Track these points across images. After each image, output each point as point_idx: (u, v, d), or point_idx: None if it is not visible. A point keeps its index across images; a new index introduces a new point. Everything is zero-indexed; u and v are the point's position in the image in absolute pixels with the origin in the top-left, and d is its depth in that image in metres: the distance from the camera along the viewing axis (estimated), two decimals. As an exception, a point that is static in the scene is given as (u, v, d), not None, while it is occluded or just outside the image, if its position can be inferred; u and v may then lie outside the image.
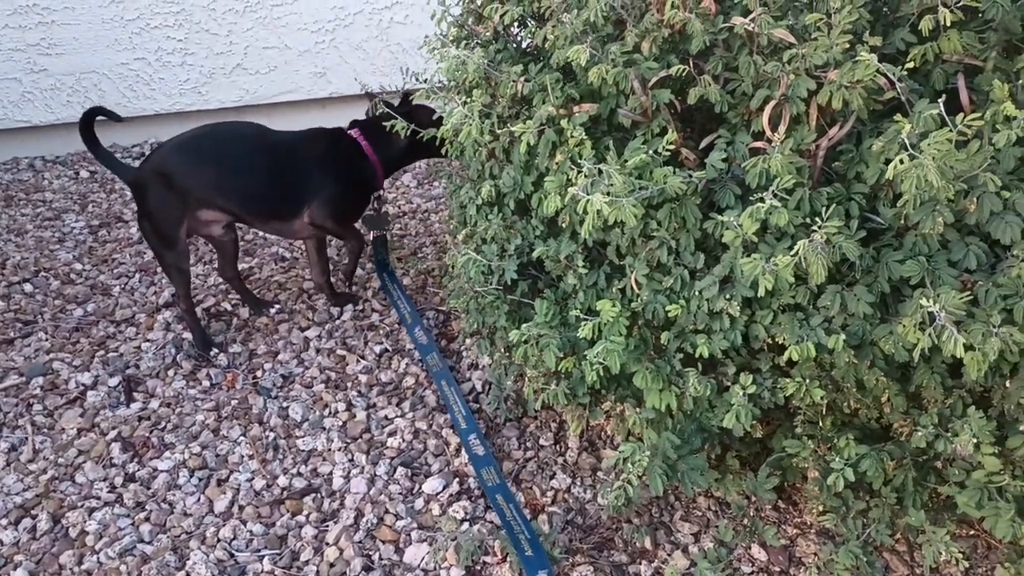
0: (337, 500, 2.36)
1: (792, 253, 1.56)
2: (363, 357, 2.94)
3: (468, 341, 2.90)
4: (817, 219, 1.59)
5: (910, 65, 1.63)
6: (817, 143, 1.75)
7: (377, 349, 2.98)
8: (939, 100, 1.51)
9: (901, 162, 1.46)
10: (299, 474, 2.46)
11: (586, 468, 2.42)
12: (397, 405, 2.72)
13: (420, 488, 2.39)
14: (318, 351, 2.98)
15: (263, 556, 2.21)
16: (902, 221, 1.66)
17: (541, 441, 2.54)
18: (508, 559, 2.11)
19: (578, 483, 2.38)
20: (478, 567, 2.13)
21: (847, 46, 1.64)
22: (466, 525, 2.26)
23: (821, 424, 1.93)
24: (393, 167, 3.15)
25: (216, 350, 2.99)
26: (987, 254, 1.63)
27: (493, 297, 2.30)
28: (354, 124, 3.08)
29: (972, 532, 2.12)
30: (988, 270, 1.62)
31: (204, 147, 2.84)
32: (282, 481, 2.43)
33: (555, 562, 2.11)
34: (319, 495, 2.38)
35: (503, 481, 2.27)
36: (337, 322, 3.13)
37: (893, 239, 1.72)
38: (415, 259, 3.52)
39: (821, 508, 1.96)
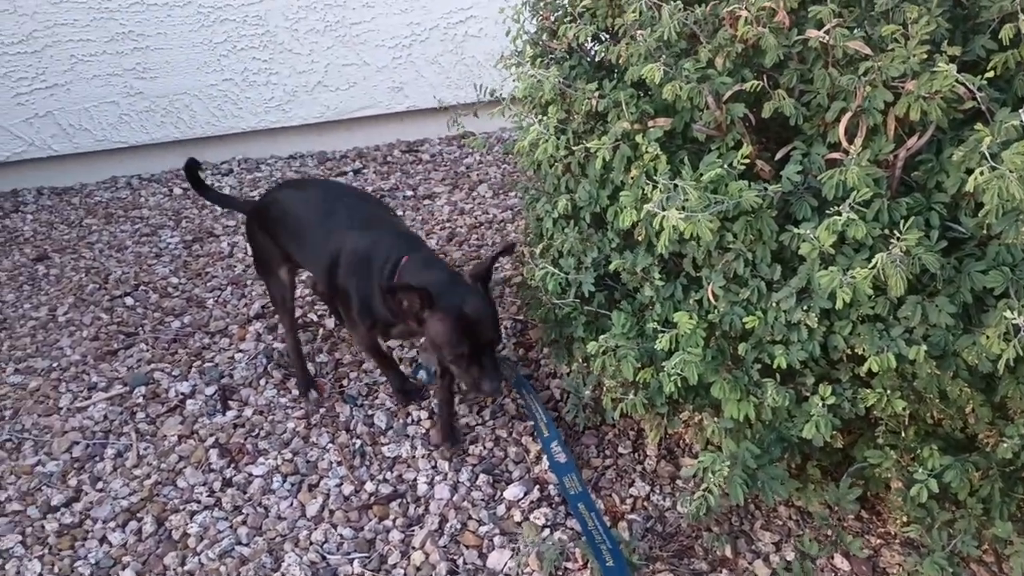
0: (422, 506, 2.44)
1: (871, 266, 1.57)
2: (444, 366, 3.02)
3: (546, 350, 2.95)
4: (895, 230, 1.59)
5: (990, 74, 1.61)
6: (895, 154, 1.74)
7: (457, 358, 3.05)
8: (1020, 109, 1.50)
9: (982, 173, 1.46)
10: (385, 480, 2.55)
11: (665, 476, 2.45)
12: (478, 413, 2.79)
13: (502, 495, 2.45)
14: (400, 360, 3.07)
15: (353, 559, 2.30)
16: (984, 231, 1.65)
17: (620, 449, 2.57)
18: (589, 565, 2.16)
19: (657, 491, 2.41)
20: (560, 573, 2.18)
21: (924, 56, 1.63)
22: (547, 532, 2.31)
23: (904, 434, 1.92)
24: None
25: (315, 393, 2.94)
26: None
27: (570, 309, 2.35)
28: (426, 255, 2.57)
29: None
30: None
31: (299, 207, 2.81)
32: (369, 487, 2.53)
33: (635, 569, 2.14)
34: (405, 500, 2.47)
35: (585, 489, 2.32)
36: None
37: (976, 249, 1.70)
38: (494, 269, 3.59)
39: (905, 519, 1.94)
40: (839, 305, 1.66)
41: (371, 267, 2.49)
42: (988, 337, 1.55)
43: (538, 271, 2.33)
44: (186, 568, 2.33)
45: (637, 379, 2.11)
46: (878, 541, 2.17)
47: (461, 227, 3.97)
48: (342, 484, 2.55)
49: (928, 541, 1.89)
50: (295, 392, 2.97)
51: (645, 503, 2.38)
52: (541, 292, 2.49)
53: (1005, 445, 1.66)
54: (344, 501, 2.49)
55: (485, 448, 2.63)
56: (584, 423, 2.65)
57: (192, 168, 3.13)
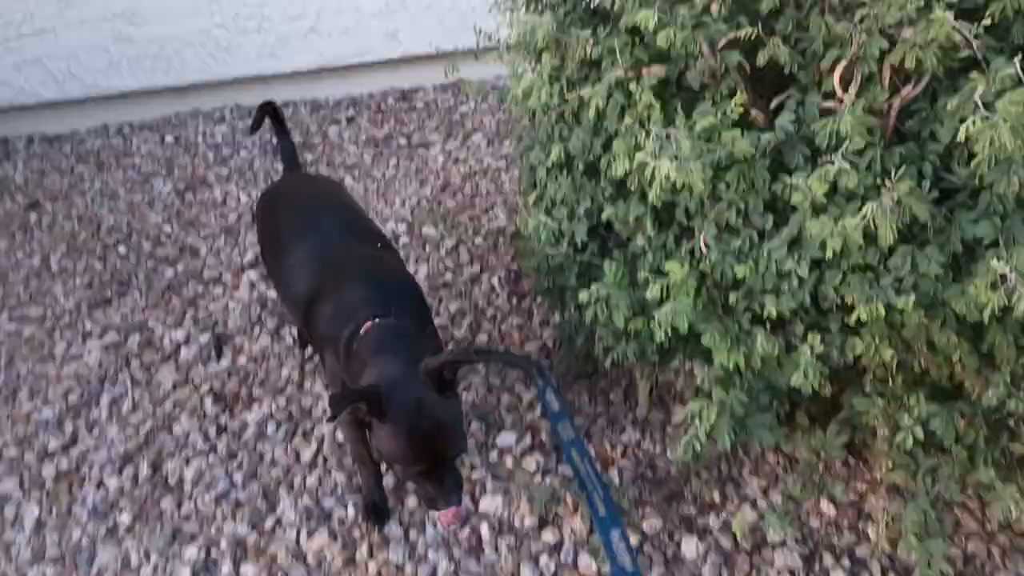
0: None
1: (861, 215, 1.57)
2: (436, 314, 3.03)
3: (539, 299, 2.96)
4: (888, 180, 1.59)
5: (987, 21, 1.59)
6: (889, 102, 1.73)
7: (452, 307, 3.07)
8: (1016, 58, 1.48)
9: (974, 123, 1.45)
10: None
11: (655, 424, 2.48)
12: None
13: (494, 441, 2.48)
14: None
15: (347, 503, 2.34)
16: (977, 181, 1.65)
17: (611, 398, 2.60)
18: (579, 510, 2.20)
19: (647, 438, 2.44)
20: (551, 517, 2.22)
21: (921, 4, 1.61)
22: (539, 477, 2.34)
23: (892, 383, 1.94)
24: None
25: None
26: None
27: (563, 258, 2.36)
28: (392, 324, 2.07)
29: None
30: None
31: (283, 218, 2.48)
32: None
33: (625, 514, 2.18)
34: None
35: (578, 436, 2.33)
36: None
37: (968, 199, 1.70)
38: (487, 218, 3.58)
39: (890, 465, 1.97)
40: (829, 255, 1.66)
41: (338, 325, 2.08)
42: (976, 287, 1.56)
43: (531, 221, 2.32)
44: (182, 512, 2.37)
45: (628, 328, 2.12)
46: (864, 487, 2.21)
47: (455, 176, 3.94)
48: (335, 431, 2.57)
49: (912, 487, 1.93)
50: (289, 340, 2.98)
51: (636, 450, 2.41)
52: (534, 242, 2.49)
53: (990, 393, 1.68)
54: (338, 448, 2.52)
55: (478, 396, 2.66)
56: (576, 372, 2.68)
57: (267, 108, 2.82)
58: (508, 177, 3.91)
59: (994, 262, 1.49)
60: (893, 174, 1.60)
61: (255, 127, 2.83)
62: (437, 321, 2.99)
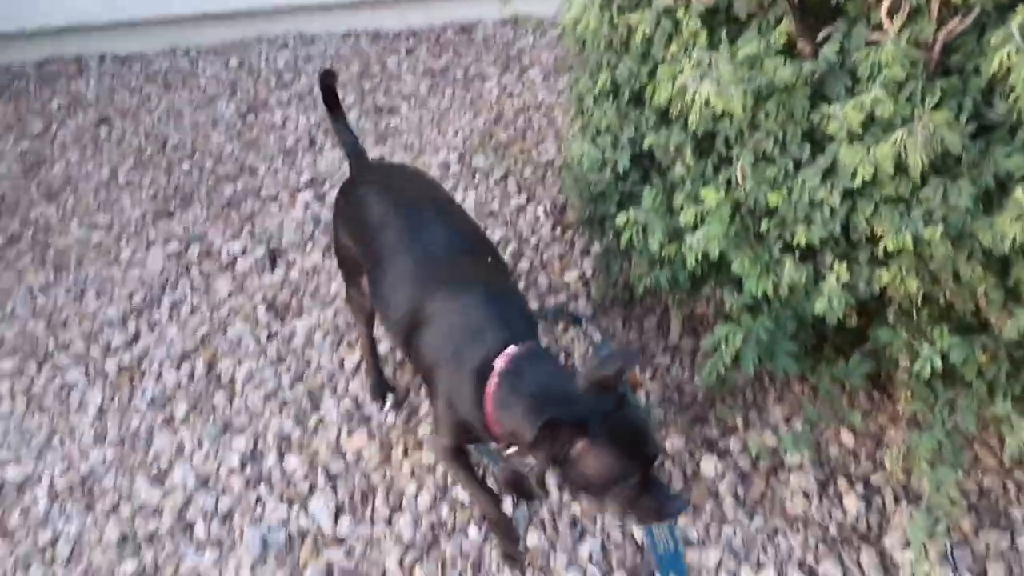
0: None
1: (892, 143, 1.60)
2: (482, 240, 3.12)
3: (581, 230, 3.02)
4: (921, 110, 1.61)
5: (1039, -46, 1.59)
6: (936, 35, 1.74)
7: (497, 235, 3.15)
8: (1061, -10, 1.49)
9: (1010, 56, 1.46)
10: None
11: (686, 351, 2.55)
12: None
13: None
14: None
15: (385, 409, 2.47)
16: (1015, 116, 1.66)
17: (644, 325, 2.67)
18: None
19: (677, 364, 2.52)
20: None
21: (972, -66, 1.61)
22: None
23: (916, 316, 1.97)
24: (515, 441, 1.79)
25: (391, 397, 2.52)
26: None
27: (605, 186, 2.42)
28: (533, 351, 1.86)
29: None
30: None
31: (376, 216, 2.16)
32: (405, 346, 2.67)
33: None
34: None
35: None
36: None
37: (1006, 135, 1.72)
38: (537, 151, 3.64)
39: (910, 396, 2.02)
40: (859, 182, 1.70)
41: (460, 354, 1.86)
42: (1003, 219, 1.58)
43: (575, 148, 2.38)
44: (233, 407, 2.53)
45: (662, 254, 2.18)
46: (885, 420, 2.26)
47: (509, 110, 3.99)
48: (379, 342, 2.70)
49: (930, 418, 1.97)
50: (339, 257, 3.11)
51: (665, 375, 2.49)
52: (578, 169, 2.55)
53: (1011, 324, 1.71)
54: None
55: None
56: (612, 300, 2.75)
57: (329, 81, 2.62)
58: (561, 112, 3.94)
59: (1019, 193, 1.52)
60: (925, 104, 1.61)
61: (329, 103, 2.59)
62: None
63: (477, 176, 3.51)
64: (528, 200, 3.33)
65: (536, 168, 3.52)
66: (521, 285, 2.89)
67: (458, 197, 3.37)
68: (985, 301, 1.83)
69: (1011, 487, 2.11)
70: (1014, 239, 1.57)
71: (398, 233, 2.06)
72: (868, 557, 2.00)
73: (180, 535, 2.21)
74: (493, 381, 1.76)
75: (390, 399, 2.50)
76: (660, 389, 2.45)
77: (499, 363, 1.77)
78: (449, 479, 2.26)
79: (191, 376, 2.66)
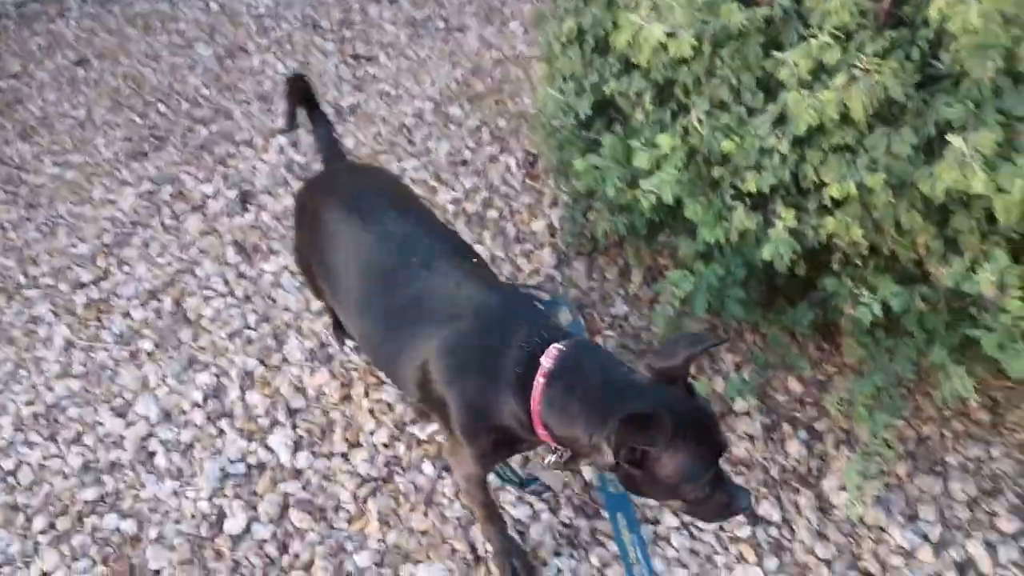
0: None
1: (833, 89, 1.63)
2: (453, 189, 3.14)
3: (551, 180, 3.05)
4: (864, 57, 1.63)
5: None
6: (887, -15, 1.76)
7: (468, 183, 3.17)
8: (1001, -61, 1.50)
9: (947, 3, 1.49)
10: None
11: (645, 300, 2.59)
12: (479, 234, 2.93)
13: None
14: (413, 182, 3.20)
15: (348, 348, 2.51)
16: (958, 67, 1.68)
17: (607, 275, 2.71)
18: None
19: (636, 313, 2.56)
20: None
21: None
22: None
23: (863, 266, 2.01)
24: (567, 442, 1.63)
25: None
26: (1041, 103, 1.65)
27: (569, 133, 2.44)
28: (578, 342, 1.69)
29: (1008, 385, 2.19)
30: (1041, 119, 1.64)
31: (347, 242, 1.92)
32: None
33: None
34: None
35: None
36: (432, 156, 3.33)
37: (951, 86, 1.74)
38: (512, 103, 3.65)
39: (854, 343, 2.07)
40: (803, 129, 1.73)
41: (497, 363, 1.66)
42: (941, 167, 1.62)
43: (539, 93, 2.40)
44: (199, 343, 2.57)
45: (620, 202, 2.21)
46: (833, 370, 2.31)
47: (487, 61, 3.99)
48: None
49: (870, 365, 2.02)
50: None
51: (623, 322, 2.53)
52: (544, 117, 2.57)
53: (946, 272, 1.75)
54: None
55: (482, 264, 2.79)
56: (577, 249, 2.78)
57: (298, 83, 2.31)
58: (538, 64, 3.94)
59: (955, 140, 1.55)
60: (871, 51, 1.64)
61: (290, 117, 2.35)
62: (451, 196, 3.11)
63: (451, 125, 3.51)
64: (501, 150, 3.35)
65: (511, 119, 3.53)
66: (488, 235, 2.92)
67: (431, 146, 3.39)
68: (925, 251, 1.87)
69: (948, 435, 2.17)
70: (949, 188, 1.61)
71: (386, 254, 1.84)
72: (806, 499, 2.06)
73: (141, 465, 2.26)
74: (539, 382, 1.59)
75: (350, 342, 2.46)
76: (618, 335, 2.49)
77: (545, 362, 1.60)
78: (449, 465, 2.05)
79: (158, 313, 2.69)
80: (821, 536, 2.00)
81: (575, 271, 2.74)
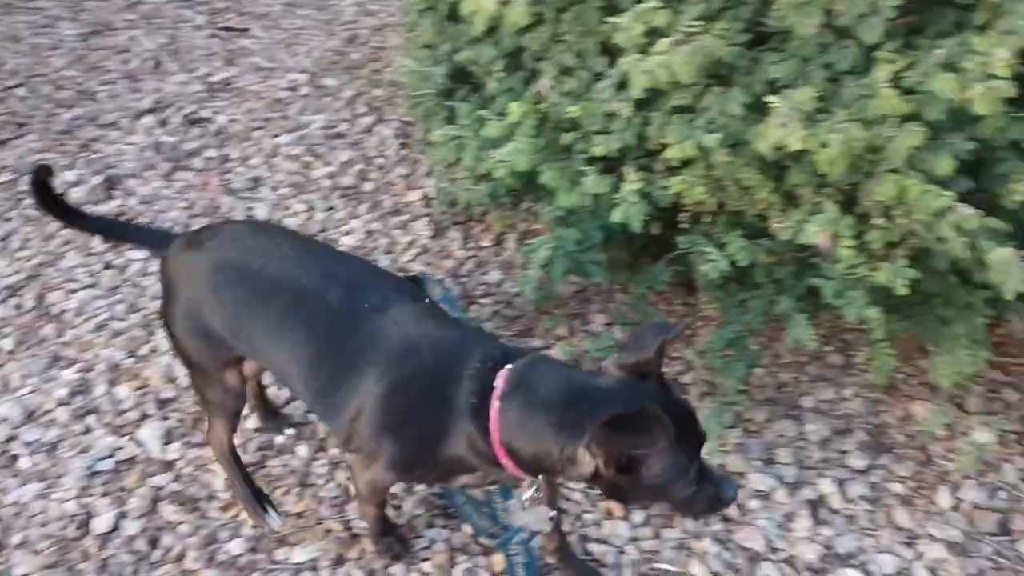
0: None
1: (659, 52, 1.65)
2: (328, 163, 3.09)
3: (423, 147, 3.03)
4: (686, 19, 1.66)
5: None
6: (716, -54, 1.78)
7: (343, 157, 3.13)
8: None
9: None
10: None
11: (518, 266, 2.61)
12: (355, 207, 2.90)
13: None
14: (287, 157, 3.14)
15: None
16: (784, 24, 1.73)
17: (482, 242, 2.72)
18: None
19: (509, 280, 2.58)
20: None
21: None
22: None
23: (714, 224, 2.07)
24: (536, 464, 1.52)
25: (274, 514, 2.02)
26: (862, 57, 1.70)
27: (431, 102, 2.42)
28: (533, 358, 1.59)
29: (859, 328, 2.28)
30: (863, 73, 1.70)
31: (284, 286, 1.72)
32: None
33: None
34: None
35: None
36: (307, 130, 3.27)
37: (780, 44, 1.79)
38: (389, 71, 3.59)
39: (708, 298, 2.13)
40: (641, 92, 1.75)
41: (449, 395, 1.55)
42: (767, 125, 1.66)
43: (397, 62, 2.37)
44: (63, 339, 2.49)
45: (482, 172, 2.21)
46: (698, 324, 2.37)
47: (364, 28, 3.92)
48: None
49: (725, 317, 2.09)
50: (180, 184, 3.04)
51: (497, 290, 2.55)
52: (408, 87, 2.55)
53: (780, 226, 1.81)
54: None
55: (357, 239, 2.76)
56: (452, 219, 2.78)
57: (42, 178, 1.94)
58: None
59: (773, 99, 1.59)
60: (696, 13, 1.66)
61: (50, 207, 1.97)
62: (326, 170, 3.07)
63: (326, 98, 3.45)
64: (377, 121, 3.30)
65: (387, 88, 3.48)
66: (364, 208, 2.89)
67: (305, 119, 3.33)
68: (766, 206, 1.93)
69: (804, 379, 2.26)
70: (777, 145, 1.65)
71: (299, 294, 1.69)
72: (673, 451, 2.13)
73: (4, 470, 2.19)
74: (495, 405, 1.48)
75: (272, 513, 2.02)
76: (493, 303, 2.51)
77: (498, 383, 1.49)
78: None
79: (19, 309, 2.59)
80: (686, 486, 2.07)
81: (451, 240, 2.74)
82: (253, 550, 1.97)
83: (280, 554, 1.96)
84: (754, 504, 2.01)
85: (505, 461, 1.51)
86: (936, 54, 1.57)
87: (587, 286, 2.48)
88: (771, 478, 2.05)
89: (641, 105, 1.90)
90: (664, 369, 1.47)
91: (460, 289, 2.56)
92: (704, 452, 1.48)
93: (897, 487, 2.04)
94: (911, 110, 1.61)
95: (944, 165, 1.62)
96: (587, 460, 1.40)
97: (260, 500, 2.02)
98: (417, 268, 2.64)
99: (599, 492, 1.47)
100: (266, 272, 1.72)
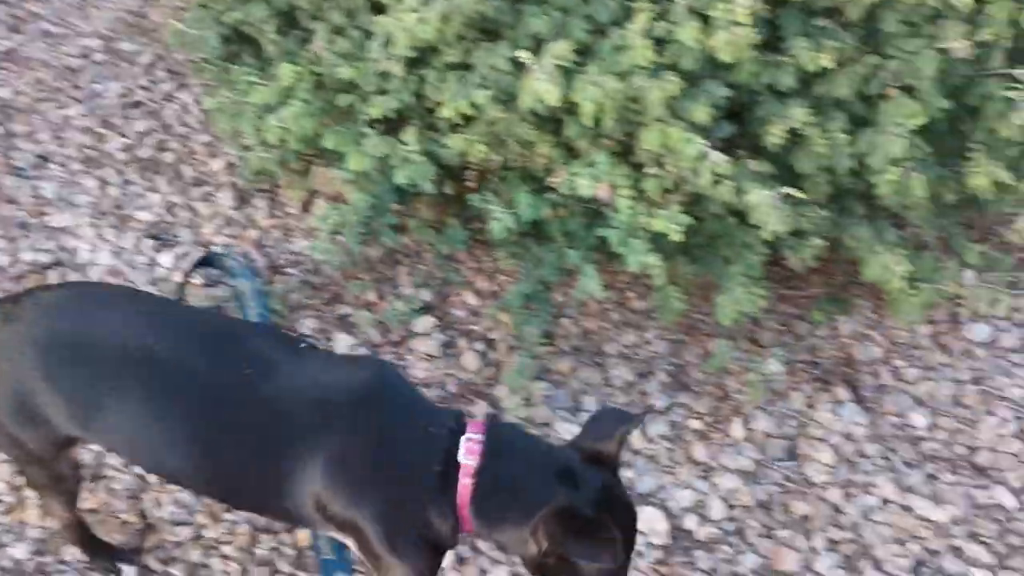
0: (80, 272, 2.44)
1: (411, 8, 1.61)
2: (124, 135, 2.91)
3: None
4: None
5: None
6: None
7: (141, 127, 2.95)
8: None
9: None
10: (46, 250, 2.51)
11: (324, 231, 2.54)
12: (153, 180, 2.75)
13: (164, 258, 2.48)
14: (79, 130, 2.93)
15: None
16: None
17: (289, 209, 2.63)
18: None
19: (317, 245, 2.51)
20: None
21: None
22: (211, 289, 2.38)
23: (501, 180, 2.06)
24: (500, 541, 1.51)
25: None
26: (621, 9, 1.71)
27: (213, 67, 2.30)
28: (493, 425, 1.55)
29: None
30: (622, 24, 1.71)
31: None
32: (27, 257, 2.48)
33: (284, 318, 2.27)
34: (64, 268, 2.46)
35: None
36: (101, 100, 3.06)
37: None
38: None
39: (505, 254, 2.14)
40: (402, 48, 1.71)
41: (408, 464, 1.46)
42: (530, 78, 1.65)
43: (170, 26, 2.24)
44: None
45: (266, 138, 2.12)
46: (506, 279, 2.38)
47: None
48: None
49: (521, 272, 2.10)
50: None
51: (303, 257, 2.47)
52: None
53: (558, 180, 1.82)
54: (0, 272, 2.45)
55: (156, 215, 2.62)
56: (258, 186, 2.67)
57: None
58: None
59: (523, 54, 1.58)
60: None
61: None
62: (122, 143, 2.89)
63: (123, 64, 3.23)
64: (179, 87, 3.12)
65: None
66: (164, 181, 2.74)
67: (99, 88, 3.11)
68: (548, 160, 1.93)
69: (608, 327, 2.31)
70: (539, 99, 1.65)
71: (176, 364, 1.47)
72: (480, 408, 2.14)
73: None
74: (465, 483, 1.41)
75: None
76: (300, 272, 2.44)
77: (467, 460, 1.42)
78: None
79: None
80: (493, 442, 2.09)
81: (256, 209, 2.64)
82: (40, 552, 1.87)
83: (69, 553, 1.86)
84: (559, 453, 2.05)
85: (473, 532, 1.48)
86: (683, 3, 1.59)
87: (396, 249, 2.44)
88: (576, 426, 2.09)
89: (415, 64, 1.86)
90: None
91: (266, 260, 2.48)
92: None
93: (695, 423, 2.13)
94: (666, 60, 1.64)
95: (701, 112, 1.66)
96: (530, 543, 1.39)
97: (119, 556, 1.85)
98: (221, 240, 2.53)
99: (524, 565, 1.48)
100: (110, 345, 1.48)
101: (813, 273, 2.34)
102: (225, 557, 1.85)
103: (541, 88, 1.60)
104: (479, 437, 1.44)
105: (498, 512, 1.44)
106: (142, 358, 1.45)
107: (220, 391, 1.46)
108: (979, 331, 2.29)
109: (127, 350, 1.46)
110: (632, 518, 1.47)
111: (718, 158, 1.62)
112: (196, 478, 1.54)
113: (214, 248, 2.47)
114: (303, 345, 1.60)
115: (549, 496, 1.38)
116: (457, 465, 1.42)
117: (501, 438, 1.48)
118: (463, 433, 1.45)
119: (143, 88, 3.12)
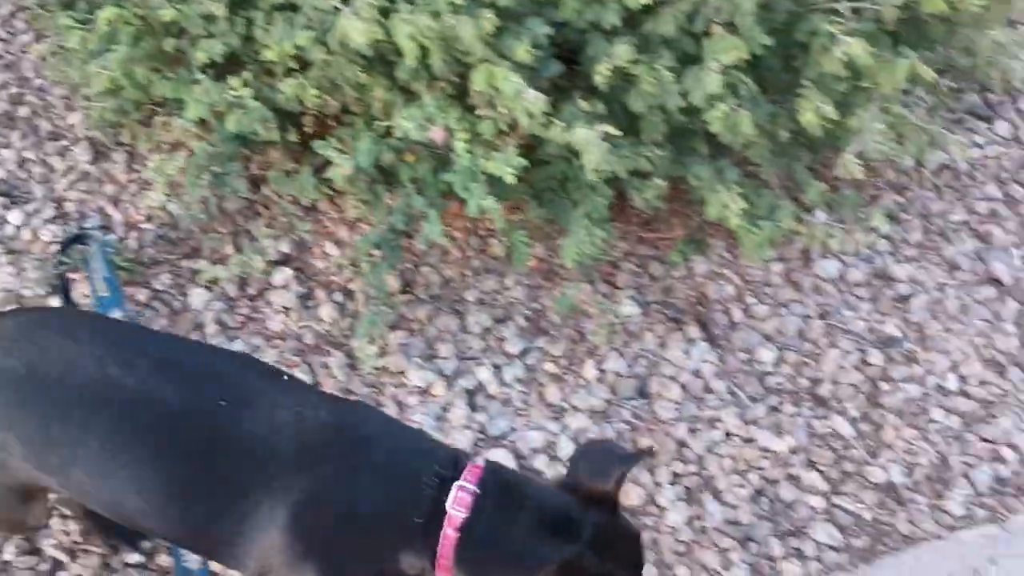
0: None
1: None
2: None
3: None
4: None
5: None
6: None
7: (-3, 80, 2.83)
8: None
9: None
10: None
11: (184, 186, 2.48)
12: (7, 136, 2.64)
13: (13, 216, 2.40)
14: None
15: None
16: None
17: (148, 163, 2.55)
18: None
19: (175, 199, 2.44)
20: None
21: None
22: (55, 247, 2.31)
23: (351, 127, 2.02)
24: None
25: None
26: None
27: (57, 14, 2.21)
28: (492, 472, 1.40)
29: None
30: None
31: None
32: None
33: (138, 274, 2.22)
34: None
35: None
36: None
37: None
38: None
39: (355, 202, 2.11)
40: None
41: (386, 509, 1.35)
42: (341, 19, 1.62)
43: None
44: None
45: (101, 86, 2.04)
46: (367, 227, 2.35)
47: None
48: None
49: (372, 219, 2.08)
50: None
51: (160, 211, 2.41)
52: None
53: (386, 123, 1.80)
54: None
55: (7, 171, 2.52)
56: (116, 138, 2.59)
57: None
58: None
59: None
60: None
61: None
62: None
63: (-23, 16, 3.08)
64: (38, 38, 2.99)
65: (50, 0, 3.15)
66: (17, 136, 2.64)
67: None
68: (384, 104, 1.90)
69: (468, 273, 2.30)
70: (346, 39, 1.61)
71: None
72: (336, 360, 2.13)
73: None
74: (449, 535, 1.30)
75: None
76: (155, 227, 2.38)
77: (455, 510, 1.31)
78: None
79: None
80: (348, 391, 2.08)
81: (115, 164, 2.55)
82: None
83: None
84: (412, 400, 2.06)
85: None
86: (495, -64, 1.56)
87: (254, 200, 2.39)
88: (431, 373, 2.10)
89: (240, 4, 1.80)
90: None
91: (122, 215, 2.41)
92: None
93: (550, 366, 2.15)
94: (485, -3, 1.61)
95: (522, 51, 1.64)
96: None
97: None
98: (75, 196, 2.45)
99: None
100: (70, 379, 1.34)
101: (673, 216, 2.37)
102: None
103: (351, 27, 1.56)
104: (471, 487, 1.33)
105: (488, 569, 1.36)
106: (104, 391, 1.34)
107: (187, 426, 1.35)
108: (828, 267, 2.34)
109: (87, 382, 1.34)
110: (638, 553, 1.40)
111: (534, 96, 1.60)
112: (171, 529, 1.42)
113: (85, 227, 2.39)
114: (285, 378, 1.49)
115: (548, 554, 1.28)
116: (443, 514, 1.32)
117: (497, 491, 1.36)
118: (457, 479, 1.34)
119: (1, 40, 2.98)
